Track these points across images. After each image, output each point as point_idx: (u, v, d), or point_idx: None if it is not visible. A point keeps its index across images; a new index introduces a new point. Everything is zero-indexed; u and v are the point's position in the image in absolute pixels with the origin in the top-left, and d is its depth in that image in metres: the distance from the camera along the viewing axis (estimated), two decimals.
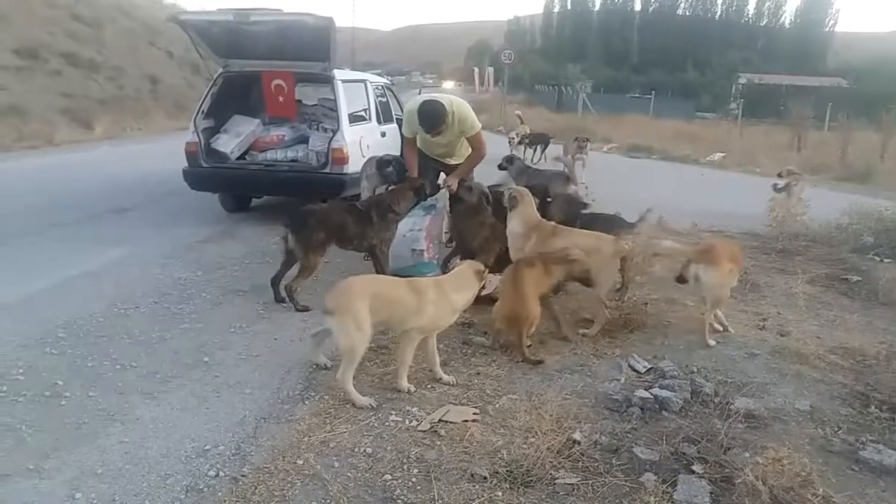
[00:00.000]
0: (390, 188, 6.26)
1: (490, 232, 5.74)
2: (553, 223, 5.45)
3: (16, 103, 16.05)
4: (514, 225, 5.37)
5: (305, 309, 5.26)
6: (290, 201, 7.09)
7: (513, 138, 14.54)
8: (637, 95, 44.95)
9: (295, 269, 5.42)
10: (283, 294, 5.41)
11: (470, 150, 6.22)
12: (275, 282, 5.49)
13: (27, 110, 16.02)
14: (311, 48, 7.58)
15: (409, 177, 6.19)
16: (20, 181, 10.45)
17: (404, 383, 3.95)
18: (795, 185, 9.42)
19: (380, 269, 5.73)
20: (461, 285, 4.08)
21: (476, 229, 5.82)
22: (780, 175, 10.60)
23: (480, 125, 6.21)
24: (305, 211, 5.52)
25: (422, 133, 6.00)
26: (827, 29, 75.79)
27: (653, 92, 40.56)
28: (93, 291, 5.50)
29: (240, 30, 7.50)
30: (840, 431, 3.57)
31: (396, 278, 4.16)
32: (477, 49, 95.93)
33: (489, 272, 5.65)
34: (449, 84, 65.93)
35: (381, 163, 6.85)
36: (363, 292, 3.75)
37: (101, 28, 23.39)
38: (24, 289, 5.43)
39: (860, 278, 6.56)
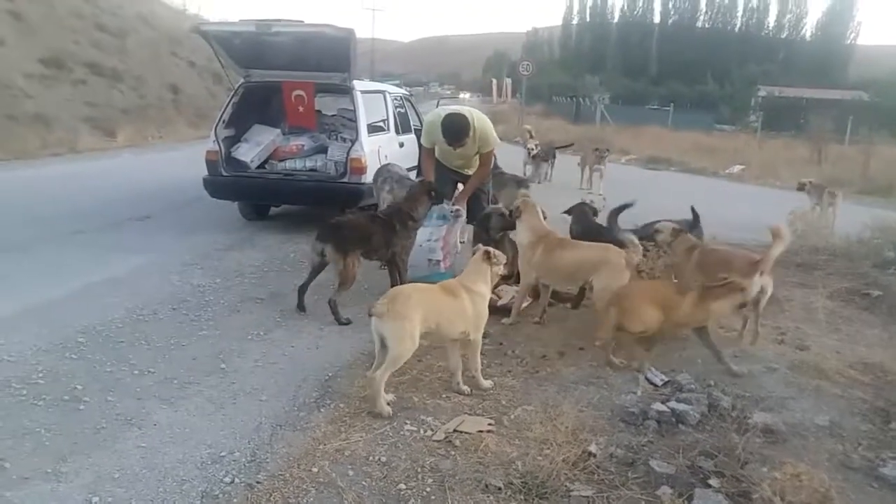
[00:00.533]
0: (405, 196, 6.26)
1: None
2: (560, 236, 5.42)
3: (41, 112, 16.30)
4: (522, 236, 5.38)
5: (348, 322, 5.27)
6: (310, 211, 7.10)
7: (532, 148, 14.34)
8: (656, 107, 44.69)
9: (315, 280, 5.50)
10: (306, 304, 5.52)
11: None
12: (302, 290, 5.55)
13: (52, 118, 16.26)
14: (332, 59, 7.65)
15: (420, 180, 6.22)
16: (44, 188, 10.62)
17: (485, 383, 4.14)
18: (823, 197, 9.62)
19: (398, 277, 5.75)
20: (479, 275, 4.15)
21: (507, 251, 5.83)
22: (800, 187, 10.57)
23: (499, 143, 6.27)
24: (339, 223, 5.49)
25: (442, 144, 6.04)
26: (848, 42, 74.97)
27: (671, 104, 40.38)
28: (113, 298, 5.56)
29: (261, 41, 7.59)
30: (860, 448, 3.51)
31: (432, 285, 4.17)
32: (495, 60, 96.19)
33: (505, 282, 5.71)
34: (465, 95, 65.75)
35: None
36: (419, 302, 3.79)
37: (125, 38, 23.72)
38: (45, 294, 5.50)
39: (881, 293, 6.46)
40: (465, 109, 6.10)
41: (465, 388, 4.08)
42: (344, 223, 5.50)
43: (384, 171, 7.39)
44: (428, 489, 3.06)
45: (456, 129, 5.80)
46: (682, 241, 5.44)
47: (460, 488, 3.06)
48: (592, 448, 3.38)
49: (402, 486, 3.08)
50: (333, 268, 5.33)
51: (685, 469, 3.19)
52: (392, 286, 5.58)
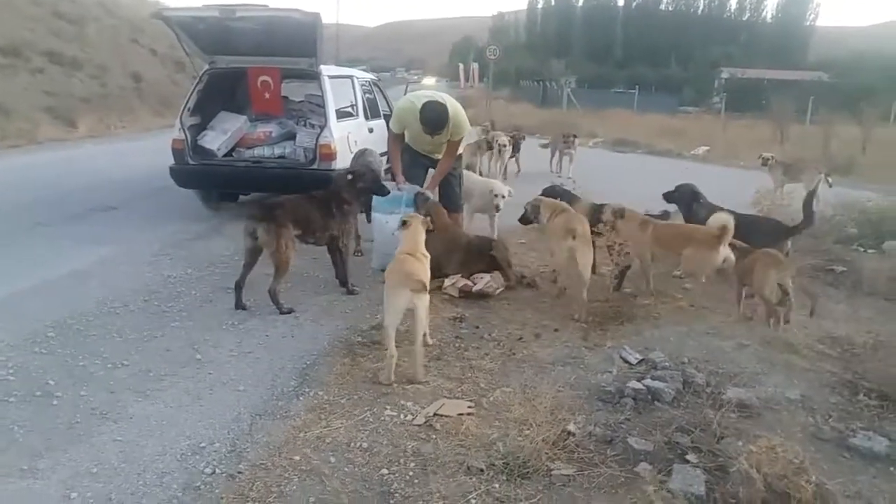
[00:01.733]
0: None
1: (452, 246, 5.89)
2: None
3: None
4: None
5: (290, 311, 5.12)
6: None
7: (504, 145, 12.60)
8: (621, 90, 45.05)
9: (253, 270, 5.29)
10: (245, 301, 5.25)
11: None
12: (238, 285, 5.25)
13: (10, 109, 15.80)
14: (298, 44, 7.55)
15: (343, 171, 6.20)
16: (4, 180, 10.33)
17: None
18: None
19: (341, 265, 5.76)
20: (422, 241, 4.57)
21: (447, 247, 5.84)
22: (763, 162, 10.74)
23: (469, 129, 6.24)
24: (274, 203, 5.24)
25: (415, 131, 5.97)
26: (808, 23, 76.28)
27: (636, 87, 40.70)
28: (81, 290, 5.46)
29: (225, 26, 7.45)
30: (830, 419, 3.61)
31: (409, 256, 4.33)
32: (462, 45, 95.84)
33: (480, 272, 5.78)
34: (430, 80, 64.31)
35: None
36: (423, 270, 4.22)
37: (84, 26, 23.16)
38: (11, 288, 5.38)
39: (845, 269, 6.62)
40: (439, 96, 6.04)
41: (429, 340, 4.50)
42: (279, 203, 5.26)
43: (362, 159, 7.25)
44: (411, 473, 3.07)
45: (437, 118, 5.74)
46: (631, 217, 5.69)
47: (443, 471, 3.08)
48: (571, 427, 3.42)
49: (385, 470, 3.08)
50: (266, 252, 5.10)
51: (663, 445, 3.24)
52: (336, 275, 5.78)
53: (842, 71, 44.83)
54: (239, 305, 5.21)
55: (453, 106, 5.92)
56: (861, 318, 5.40)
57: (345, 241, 5.69)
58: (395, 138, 6.25)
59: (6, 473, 3.01)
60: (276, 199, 5.37)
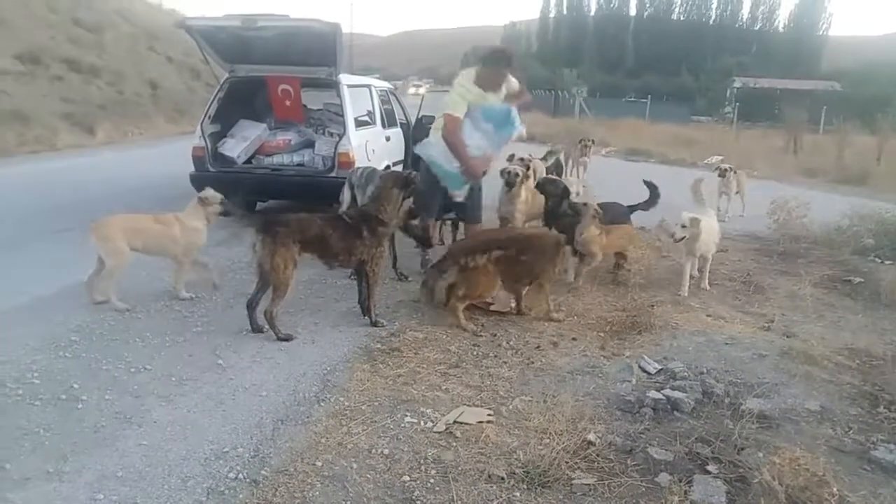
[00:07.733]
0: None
1: None
2: None
3: (18, 108, 16.01)
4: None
5: (288, 338, 4.73)
6: (297, 207, 6.92)
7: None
8: (633, 99, 45.05)
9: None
10: (263, 321, 4.80)
11: None
12: (250, 305, 4.89)
13: (29, 115, 15.97)
14: (318, 53, 7.62)
15: (389, 173, 5.76)
16: (25, 186, 10.45)
17: None
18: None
19: (367, 290, 5.13)
20: None
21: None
22: (720, 174, 10.70)
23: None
24: (278, 219, 4.80)
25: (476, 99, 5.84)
26: (820, 33, 75.90)
27: (648, 96, 40.66)
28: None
29: (246, 35, 7.54)
30: (851, 431, 3.60)
31: None
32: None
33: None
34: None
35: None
36: None
37: (102, 33, 23.43)
38: (34, 292, 5.44)
39: (862, 280, 6.62)
40: None
41: None
42: (284, 220, 4.78)
43: (367, 170, 6.75)
44: (432, 480, 3.09)
45: (501, 53, 6.02)
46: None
47: (464, 479, 3.09)
48: (591, 437, 3.43)
49: (406, 477, 3.11)
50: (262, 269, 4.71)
51: (683, 455, 3.26)
52: (359, 300, 5.22)
53: (855, 80, 44.52)
54: (254, 328, 4.86)
55: None
56: (880, 329, 5.41)
57: (373, 266, 5.04)
58: (459, 126, 5.69)
59: (33, 476, 3.04)
60: (287, 214, 4.94)
